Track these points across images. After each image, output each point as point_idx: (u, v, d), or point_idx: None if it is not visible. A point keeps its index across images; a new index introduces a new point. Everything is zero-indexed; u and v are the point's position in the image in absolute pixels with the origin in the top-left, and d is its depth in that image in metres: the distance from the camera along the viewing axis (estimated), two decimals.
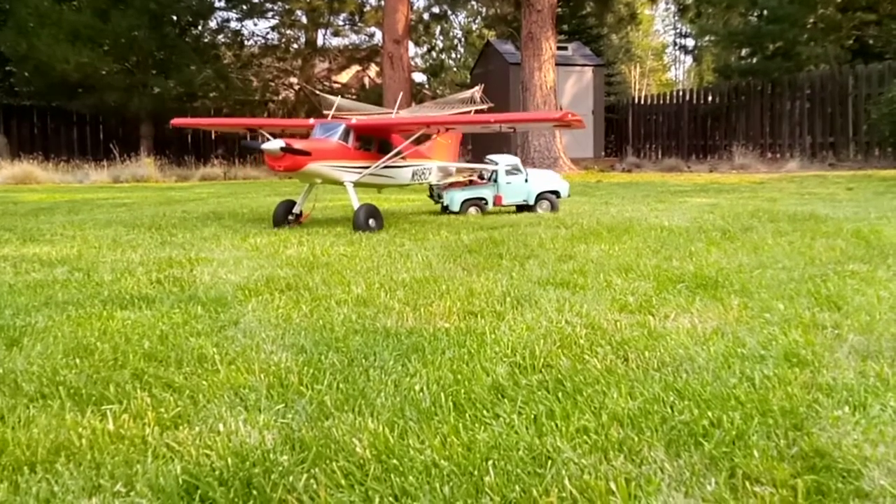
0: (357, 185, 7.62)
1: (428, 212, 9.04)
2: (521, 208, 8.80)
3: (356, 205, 7.21)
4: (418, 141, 8.56)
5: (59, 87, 22.09)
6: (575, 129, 8.71)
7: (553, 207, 8.74)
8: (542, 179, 8.98)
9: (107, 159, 21.18)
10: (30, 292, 4.17)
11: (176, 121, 9.69)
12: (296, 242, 6.17)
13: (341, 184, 7.46)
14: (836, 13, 21.53)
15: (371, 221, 7.08)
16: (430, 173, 8.58)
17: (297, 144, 7.00)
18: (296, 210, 7.71)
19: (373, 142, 7.80)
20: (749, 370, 2.56)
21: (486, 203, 8.63)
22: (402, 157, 7.96)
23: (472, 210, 8.56)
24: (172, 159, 22.29)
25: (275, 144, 6.85)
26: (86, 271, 4.87)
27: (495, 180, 8.68)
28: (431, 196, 9.07)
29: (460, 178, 9.06)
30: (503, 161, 8.79)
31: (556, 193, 8.86)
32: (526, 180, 8.74)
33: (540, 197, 8.76)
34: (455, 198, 8.56)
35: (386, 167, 7.78)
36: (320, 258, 5.31)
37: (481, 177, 8.99)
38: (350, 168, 7.41)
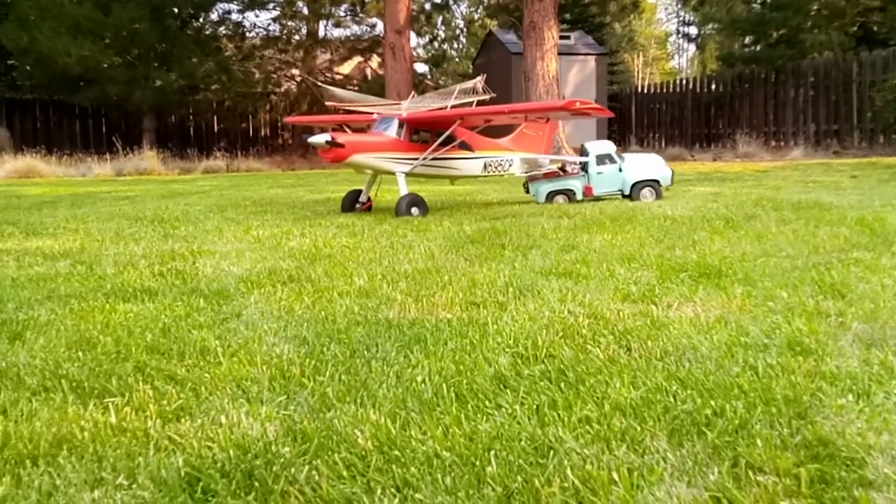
0: (416, 175, 7.97)
1: (430, 203, 9.00)
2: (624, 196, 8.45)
3: (403, 193, 7.57)
4: (486, 133, 8.51)
5: (61, 80, 22.06)
6: (594, 117, 8.54)
7: (657, 196, 8.37)
8: (640, 168, 8.51)
9: (109, 152, 21.17)
10: (32, 286, 4.18)
11: (290, 119, 11.02)
12: (298, 234, 6.17)
13: (393, 174, 7.75)
14: (839, 0, 21.40)
15: (413, 210, 7.43)
16: (510, 165, 8.50)
17: (340, 138, 7.41)
18: (362, 199, 8.21)
19: (431, 134, 7.90)
20: (752, 359, 2.55)
21: (575, 194, 8.38)
22: (468, 148, 8.09)
23: (560, 199, 8.33)
24: (175, 152, 22.27)
25: (321, 138, 7.41)
26: (88, 264, 4.87)
27: (586, 170, 8.44)
28: (526, 188, 8.88)
29: (551, 169, 8.78)
30: (594, 149, 8.51)
31: (657, 182, 8.46)
32: (620, 169, 8.39)
33: (637, 186, 8.38)
34: (540, 189, 8.41)
35: (449, 158, 7.95)
36: (322, 250, 5.31)
37: (563, 169, 8.65)
38: (401, 159, 7.70)
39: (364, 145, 7.61)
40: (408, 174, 7.76)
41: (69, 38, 20.58)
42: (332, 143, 7.36)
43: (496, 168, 8.39)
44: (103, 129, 25.00)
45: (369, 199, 8.21)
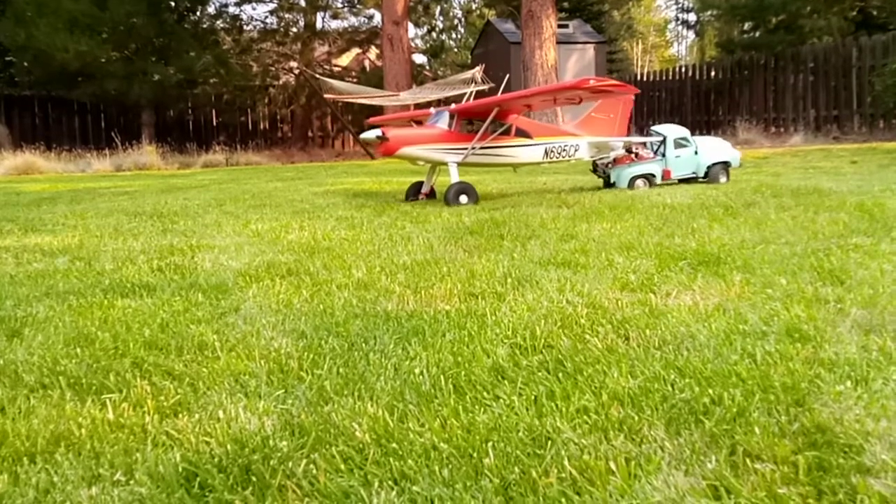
0: (475, 165, 8.23)
1: None
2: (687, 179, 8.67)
3: (453, 182, 7.79)
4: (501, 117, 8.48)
5: (59, 76, 22.00)
6: (617, 96, 8.43)
7: (727, 177, 8.61)
8: (712, 150, 8.75)
9: (109, 148, 21.15)
10: (31, 283, 4.17)
11: (371, 119, 10.73)
12: (297, 228, 6.16)
13: (446, 164, 7.95)
14: None
15: (462, 197, 7.61)
16: (576, 150, 8.52)
17: (388, 133, 7.68)
18: (424, 189, 8.47)
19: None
20: (751, 346, 2.54)
21: (655, 178, 8.51)
22: (526, 135, 8.22)
23: (640, 183, 8.43)
24: (174, 146, 22.26)
25: (371, 133, 7.77)
26: (87, 260, 4.87)
27: (663, 154, 8.55)
28: (595, 171, 8.96)
29: (621, 154, 8.85)
30: (671, 133, 8.60)
31: (728, 163, 8.70)
32: (696, 152, 8.58)
33: (712, 168, 8.58)
34: (622, 175, 8.48)
35: (505, 146, 8.10)
36: (321, 243, 5.30)
37: (630, 151, 8.74)
38: (452, 150, 7.89)
39: (411, 138, 7.84)
40: (461, 164, 7.94)
41: (66, 33, 20.51)
42: (381, 138, 7.67)
43: (559, 154, 8.45)
44: (102, 124, 24.96)
45: (431, 189, 8.47)
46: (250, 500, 1.73)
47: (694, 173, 8.62)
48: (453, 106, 8.27)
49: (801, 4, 21.42)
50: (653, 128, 9.00)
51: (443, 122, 8.03)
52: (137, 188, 11.99)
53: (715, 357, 2.46)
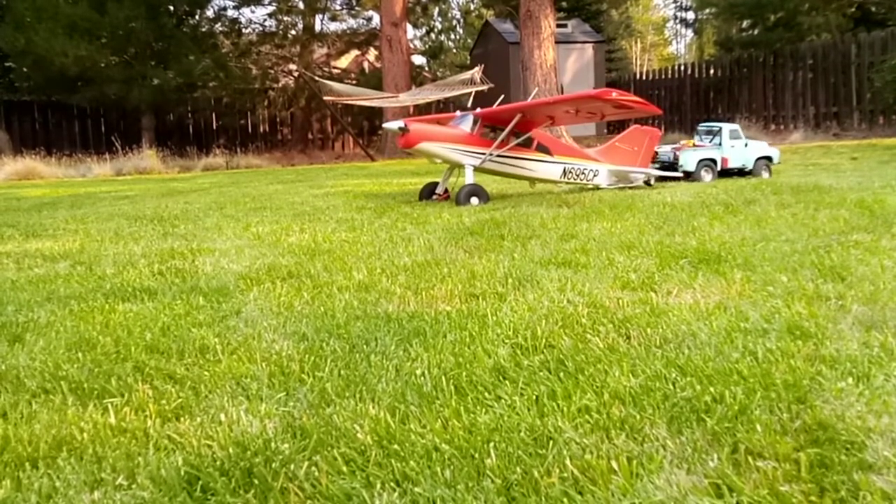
0: (492, 173, 8.28)
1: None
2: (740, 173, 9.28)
3: (465, 184, 7.85)
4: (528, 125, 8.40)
5: (59, 81, 21.99)
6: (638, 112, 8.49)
7: (769, 172, 9.24)
8: (757, 146, 9.45)
9: (109, 152, 21.12)
10: (32, 288, 4.17)
11: (408, 119, 10.83)
12: (297, 230, 6.16)
13: (462, 166, 7.99)
14: None
15: (473, 199, 7.65)
16: (594, 175, 8.55)
17: (410, 126, 7.80)
18: (439, 190, 8.51)
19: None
20: (752, 344, 2.54)
21: (716, 164, 9.07)
22: (546, 151, 8.28)
23: (703, 172, 8.99)
24: (174, 150, 22.21)
25: (394, 124, 8.00)
26: (88, 265, 4.87)
27: (719, 143, 9.11)
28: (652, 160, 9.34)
29: (681, 143, 9.41)
30: (726, 125, 9.22)
31: (769, 159, 9.37)
32: (746, 145, 9.23)
33: (756, 162, 9.24)
34: (690, 158, 8.98)
35: (523, 158, 8.11)
36: (322, 245, 5.30)
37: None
38: (471, 153, 7.93)
39: (432, 134, 7.90)
40: (477, 168, 7.94)
41: (66, 38, 20.49)
42: (403, 130, 7.78)
43: (577, 176, 8.47)
44: (102, 129, 24.95)
45: (446, 191, 8.47)
46: (252, 502, 1.73)
47: (743, 165, 9.21)
48: (478, 109, 8.35)
49: (799, 2, 21.43)
50: (702, 124, 9.63)
51: (466, 125, 8.07)
52: (138, 192, 11.99)
53: (716, 355, 2.46)
